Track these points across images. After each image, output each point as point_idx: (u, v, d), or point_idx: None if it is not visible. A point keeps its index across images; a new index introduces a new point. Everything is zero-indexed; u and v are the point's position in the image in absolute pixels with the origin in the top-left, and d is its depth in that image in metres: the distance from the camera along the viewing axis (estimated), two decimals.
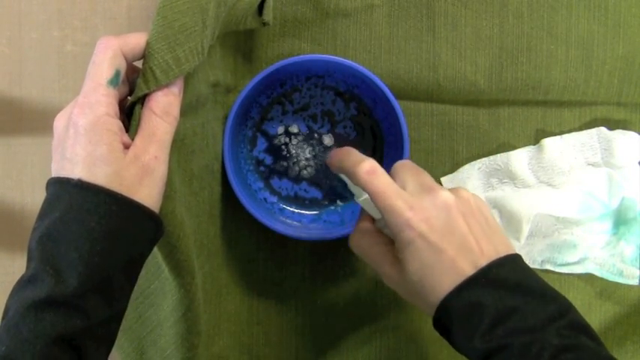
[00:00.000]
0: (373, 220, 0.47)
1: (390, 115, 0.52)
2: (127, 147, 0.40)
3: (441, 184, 0.57)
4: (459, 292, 0.40)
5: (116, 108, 0.40)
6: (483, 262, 0.40)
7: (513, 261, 0.41)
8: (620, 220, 0.56)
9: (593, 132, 0.56)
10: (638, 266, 0.55)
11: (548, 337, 0.37)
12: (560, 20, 0.56)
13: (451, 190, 0.43)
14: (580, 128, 0.57)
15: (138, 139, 0.40)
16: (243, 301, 0.57)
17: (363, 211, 0.47)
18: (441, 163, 0.57)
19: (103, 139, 0.38)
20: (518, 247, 0.56)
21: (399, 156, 0.52)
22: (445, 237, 0.41)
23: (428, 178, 0.44)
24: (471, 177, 0.57)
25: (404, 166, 0.45)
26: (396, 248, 0.43)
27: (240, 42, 0.55)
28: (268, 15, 0.50)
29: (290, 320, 0.57)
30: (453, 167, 0.57)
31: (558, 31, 0.56)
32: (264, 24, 0.51)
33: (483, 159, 0.57)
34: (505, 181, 0.57)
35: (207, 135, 0.50)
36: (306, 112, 0.55)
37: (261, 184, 0.55)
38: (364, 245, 0.46)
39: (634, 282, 0.56)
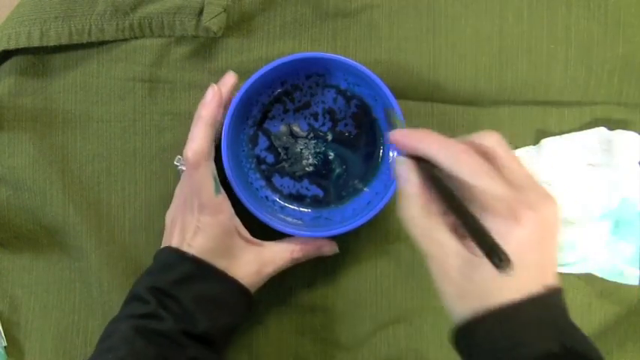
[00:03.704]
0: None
1: None
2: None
3: None
4: (508, 312, 0.37)
5: (231, 209, 0.49)
6: (546, 290, 0.38)
7: (563, 297, 0.39)
8: (620, 221, 0.56)
9: (593, 132, 0.56)
10: (638, 266, 0.55)
11: None
12: (560, 20, 0.56)
13: (553, 203, 0.39)
14: (580, 128, 0.57)
15: None
16: None
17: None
18: None
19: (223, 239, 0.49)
20: None
21: (399, 154, 0.52)
22: (537, 253, 0.38)
23: (528, 173, 0.40)
24: None
25: (509, 153, 0.40)
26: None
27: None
28: (208, 19, 0.52)
29: (290, 320, 0.57)
30: None
31: (558, 30, 0.56)
32: (208, 30, 0.53)
33: None
34: None
35: None
36: (308, 110, 0.55)
37: (262, 183, 0.55)
38: (424, 223, 0.39)
39: (634, 282, 0.56)
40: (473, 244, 0.36)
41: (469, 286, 0.38)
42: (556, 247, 0.39)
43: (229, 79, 0.51)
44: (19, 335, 0.57)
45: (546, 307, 0.38)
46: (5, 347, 0.56)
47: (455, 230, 0.39)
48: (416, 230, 0.40)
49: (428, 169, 0.40)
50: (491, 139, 0.40)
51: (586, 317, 0.58)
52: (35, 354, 0.57)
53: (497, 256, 0.33)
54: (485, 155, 0.39)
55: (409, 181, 0.40)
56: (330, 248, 0.54)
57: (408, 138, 0.41)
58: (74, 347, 0.57)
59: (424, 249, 0.40)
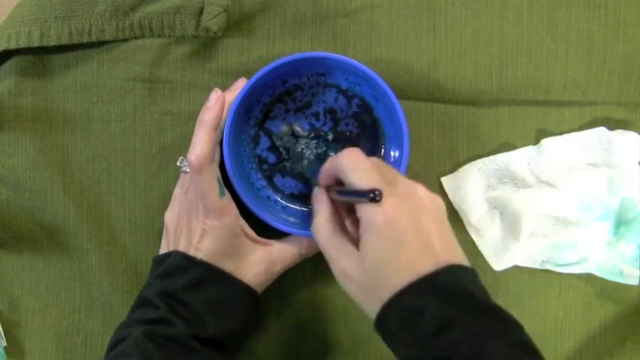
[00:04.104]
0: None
1: (391, 112, 0.52)
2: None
3: (441, 184, 0.57)
4: (409, 292, 0.39)
5: (236, 210, 0.50)
6: (442, 266, 0.40)
7: (472, 274, 0.41)
8: (620, 220, 0.56)
9: (593, 132, 0.56)
10: (638, 266, 0.55)
11: (488, 353, 0.37)
12: (560, 20, 0.56)
13: (426, 191, 0.44)
14: (580, 128, 0.57)
15: None
16: None
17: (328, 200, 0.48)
18: (441, 163, 0.57)
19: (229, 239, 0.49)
20: (519, 247, 0.56)
21: (400, 153, 0.52)
22: (413, 233, 0.41)
23: (405, 178, 0.45)
24: (471, 177, 0.57)
25: (382, 163, 0.47)
26: (359, 232, 0.43)
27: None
28: (207, 19, 0.52)
29: (290, 320, 0.57)
30: (453, 167, 0.57)
31: (558, 30, 0.56)
32: (208, 30, 0.53)
33: (483, 159, 0.57)
34: (505, 181, 0.57)
35: None
36: (309, 109, 0.55)
37: (264, 183, 0.55)
38: (327, 231, 0.45)
39: (634, 282, 0.56)
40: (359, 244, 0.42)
41: (366, 281, 0.42)
42: (442, 231, 0.42)
43: (240, 84, 0.52)
44: (19, 335, 0.57)
45: (442, 282, 0.40)
46: (5, 347, 0.56)
47: (351, 239, 0.44)
48: (321, 236, 0.46)
49: (335, 191, 0.47)
50: (376, 158, 0.47)
51: (586, 317, 0.58)
52: (35, 354, 0.57)
53: (368, 196, 0.40)
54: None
55: (320, 201, 0.47)
56: None
57: (321, 174, 0.49)
58: (74, 347, 0.57)
59: (327, 253, 0.45)
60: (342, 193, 0.45)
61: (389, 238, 0.41)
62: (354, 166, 0.44)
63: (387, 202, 0.41)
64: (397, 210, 0.41)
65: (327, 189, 0.48)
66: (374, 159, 0.46)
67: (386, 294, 0.40)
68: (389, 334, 0.41)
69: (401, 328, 0.40)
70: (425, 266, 0.40)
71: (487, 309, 0.40)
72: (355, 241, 0.44)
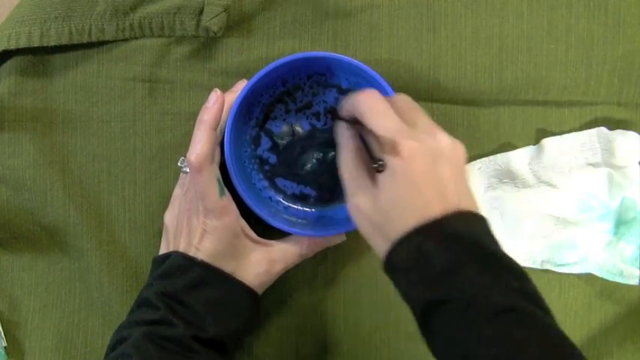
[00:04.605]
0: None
1: None
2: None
3: None
4: (418, 234, 0.40)
5: (236, 211, 0.50)
6: (451, 212, 0.40)
7: (482, 222, 0.42)
8: (620, 220, 0.56)
9: (593, 132, 0.56)
10: (638, 266, 0.55)
11: (492, 295, 0.37)
12: (560, 20, 0.56)
13: (450, 138, 0.43)
14: (580, 128, 0.57)
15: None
16: None
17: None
18: None
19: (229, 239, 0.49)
20: (519, 247, 0.56)
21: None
22: (428, 178, 0.41)
23: (428, 119, 0.45)
24: (471, 177, 0.57)
25: (405, 102, 0.46)
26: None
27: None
28: (207, 19, 0.52)
29: (290, 320, 0.57)
30: None
31: (558, 30, 0.56)
32: (208, 30, 0.53)
33: (483, 159, 0.57)
34: (505, 181, 0.57)
35: None
36: (309, 110, 0.55)
37: (265, 183, 0.55)
38: (350, 165, 0.46)
39: (634, 282, 0.56)
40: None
41: (378, 219, 0.42)
42: (457, 177, 0.42)
43: (241, 86, 0.52)
44: (19, 335, 0.57)
45: (449, 228, 0.40)
46: (5, 347, 0.56)
47: (371, 175, 0.44)
48: (344, 169, 0.46)
49: (358, 130, 0.47)
50: (401, 96, 0.47)
51: (586, 317, 0.58)
52: (35, 354, 0.57)
53: (376, 162, 0.42)
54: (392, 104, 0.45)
55: (343, 135, 0.48)
56: (338, 237, 0.54)
57: (341, 110, 0.49)
58: (74, 347, 0.57)
59: (346, 187, 0.45)
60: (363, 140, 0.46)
61: (404, 180, 0.41)
62: (371, 108, 0.44)
63: (405, 145, 0.41)
64: (414, 153, 0.41)
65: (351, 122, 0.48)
66: (395, 97, 0.46)
67: (394, 234, 0.41)
68: (395, 273, 0.41)
69: (408, 268, 0.40)
70: (434, 211, 0.40)
71: (494, 257, 0.40)
72: (374, 177, 0.44)
